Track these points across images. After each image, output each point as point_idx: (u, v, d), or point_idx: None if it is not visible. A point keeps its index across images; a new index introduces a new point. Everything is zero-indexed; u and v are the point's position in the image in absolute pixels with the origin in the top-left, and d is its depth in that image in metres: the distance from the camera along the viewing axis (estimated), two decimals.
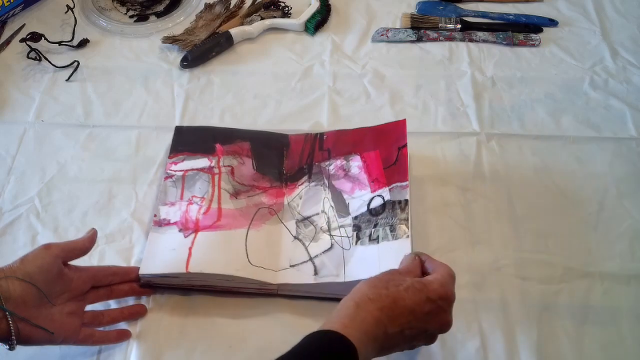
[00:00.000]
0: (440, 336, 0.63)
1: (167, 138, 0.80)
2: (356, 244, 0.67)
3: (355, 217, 0.69)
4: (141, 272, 0.64)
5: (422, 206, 0.74)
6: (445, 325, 0.55)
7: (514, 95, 0.86)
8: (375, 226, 0.67)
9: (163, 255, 0.66)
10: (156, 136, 0.81)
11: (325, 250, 0.67)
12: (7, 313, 0.50)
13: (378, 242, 0.65)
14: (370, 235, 0.66)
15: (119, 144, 0.80)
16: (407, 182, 0.68)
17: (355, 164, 0.73)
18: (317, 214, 0.70)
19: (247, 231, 0.68)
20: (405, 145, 0.71)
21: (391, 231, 0.66)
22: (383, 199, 0.69)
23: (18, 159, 0.79)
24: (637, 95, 0.85)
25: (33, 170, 0.78)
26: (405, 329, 0.52)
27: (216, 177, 0.73)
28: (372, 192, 0.70)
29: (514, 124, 0.82)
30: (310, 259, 0.67)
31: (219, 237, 0.67)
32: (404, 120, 0.74)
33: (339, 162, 0.74)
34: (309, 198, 0.72)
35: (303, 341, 0.49)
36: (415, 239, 0.71)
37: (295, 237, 0.69)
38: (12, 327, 0.50)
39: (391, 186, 0.69)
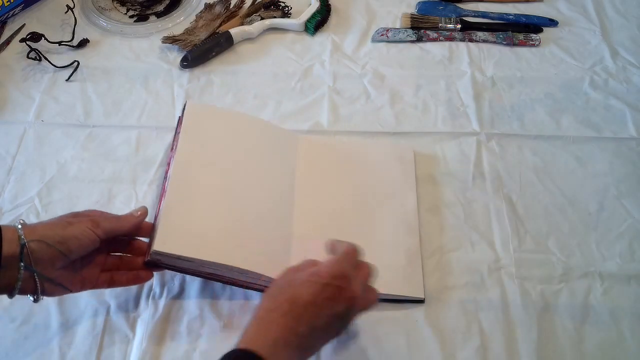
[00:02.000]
0: (440, 336, 0.63)
1: (167, 138, 0.80)
2: None
3: None
4: (156, 248, 0.60)
5: (422, 206, 0.74)
6: (352, 300, 0.54)
7: (514, 95, 0.86)
8: None
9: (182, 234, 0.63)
10: (156, 136, 0.81)
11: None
12: (36, 274, 0.53)
13: None
14: None
15: (119, 144, 0.80)
16: None
17: None
18: None
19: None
20: None
21: None
22: None
23: (18, 159, 0.79)
24: (637, 95, 0.85)
25: (33, 170, 0.78)
26: (315, 323, 0.52)
27: None
28: None
29: (514, 124, 0.82)
30: None
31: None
32: None
33: None
34: None
35: None
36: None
37: None
38: (39, 286, 0.54)
39: None
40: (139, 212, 0.62)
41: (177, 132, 0.73)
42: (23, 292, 0.54)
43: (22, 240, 0.52)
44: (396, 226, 0.71)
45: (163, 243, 0.61)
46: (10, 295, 0.54)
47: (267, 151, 0.74)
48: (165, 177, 0.69)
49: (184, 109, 0.74)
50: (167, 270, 0.67)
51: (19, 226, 0.54)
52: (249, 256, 0.64)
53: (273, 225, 0.68)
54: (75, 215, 0.59)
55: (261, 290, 0.65)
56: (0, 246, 0.51)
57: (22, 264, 0.52)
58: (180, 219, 0.64)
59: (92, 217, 0.58)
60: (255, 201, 0.69)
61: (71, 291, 0.59)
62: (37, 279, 0.54)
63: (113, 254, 0.63)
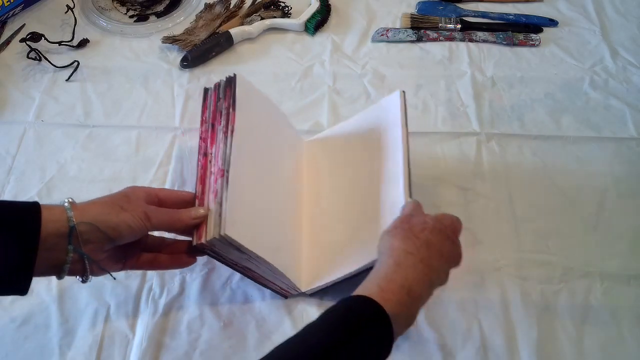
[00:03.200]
0: (440, 336, 0.64)
1: (167, 138, 0.80)
2: None
3: None
4: (228, 233, 0.55)
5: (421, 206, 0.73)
6: (459, 258, 0.56)
7: (514, 95, 0.86)
8: None
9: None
10: (156, 136, 0.81)
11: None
12: (85, 257, 0.52)
13: None
14: None
15: (119, 144, 0.80)
16: None
17: None
18: None
19: None
20: None
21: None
22: None
23: (18, 159, 0.79)
24: (637, 95, 0.85)
25: (33, 170, 0.78)
26: (441, 271, 0.53)
27: None
28: None
29: (514, 124, 0.82)
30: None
31: None
32: None
33: None
34: None
35: (335, 305, 0.48)
36: None
37: None
38: (87, 269, 0.53)
39: None
40: (196, 216, 0.57)
41: (211, 107, 0.67)
42: (71, 273, 0.53)
43: (71, 222, 0.50)
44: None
45: (233, 229, 0.56)
46: (59, 277, 0.52)
47: (284, 152, 0.73)
48: (205, 156, 0.63)
49: (229, 81, 0.67)
50: (170, 270, 0.67)
51: (67, 204, 0.51)
52: (295, 264, 0.64)
53: (318, 233, 0.67)
54: (128, 199, 0.56)
55: (283, 295, 0.66)
56: (38, 226, 0.49)
57: (70, 246, 0.50)
58: (245, 208, 0.60)
59: (145, 208, 0.56)
60: (292, 205, 0.68)
61: (115, 279, 0.59)
62: (86, 262, 0.52)
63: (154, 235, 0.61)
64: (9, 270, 0.48)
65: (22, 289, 0.50)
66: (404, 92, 0.68)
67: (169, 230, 0.59)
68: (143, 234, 0.56)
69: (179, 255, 0.61)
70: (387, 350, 0.47)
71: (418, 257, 0.51)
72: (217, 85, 0.68)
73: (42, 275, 0.52)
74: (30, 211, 0.49)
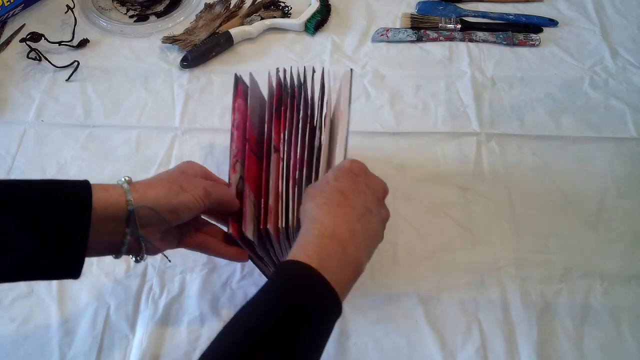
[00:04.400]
0: (440, 336, 0.63)
1: (167, 138, 0.80)
2: None
3: None
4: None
5: (421, 206, 0.74)
6: (382, 184, 0.55)
7: (514, 95, 0.86)
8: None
9: None
10: (156, 136, 0.81)
11: None
12: (142, 239, 0.51)
13: None
14: None
15: (119, 144, 0.80)
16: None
17: None
18: None
19: None
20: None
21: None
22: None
23: (18, 159, 0.79)
24: (637, 95, 0.85)
25: (33, 170, 0.78)
26: (368, 205, 0.52)
27: None
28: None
29: (514, 124, 0.82)
30: None
31: None
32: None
33: None
34: None
35: (273, 277, 0.48)
36: (416, 239, 0.71)
37: None
38: (144, 249, 0.52)
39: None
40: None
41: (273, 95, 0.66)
42: (127, 253, 0.52)
43: (130, 206, 0.49)
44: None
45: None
46: (117, 257, 0.52)
47: None
48: (277, 151, 0.62)
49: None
50: (173, 270, 0.67)
51: (126, 186, 0.50)
52: None
53: None
54: (187, 177, 0.55)
55: None
56: (89, 210, 0.47)
57: (128, 229, 0.50)
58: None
59: (204, 184, 0.55)
60: None
61: (170, 261, 0.60)
62: (142, 243, 0.51)
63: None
64: (60, 255, 0.47)
65: (74, 273, 0.48)
66: (351, 69, 0.67)
67: (223, 209, 0.57)
68: (200, 212, 0.55)
69: (233, 247, 0.59)
70: (331, 301, 0.46)
71: (334, 204, 0.50)
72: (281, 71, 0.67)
73: (98, 255, 0.51)
74: (80, 195, 0.48)
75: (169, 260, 0.61)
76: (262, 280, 0.68)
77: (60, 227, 0.46)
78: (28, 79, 0.89)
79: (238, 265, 0.69)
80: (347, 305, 0.65)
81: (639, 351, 0.63)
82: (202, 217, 0.59)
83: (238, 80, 0.68)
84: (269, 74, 0.68)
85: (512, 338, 0.64)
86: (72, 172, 0.77)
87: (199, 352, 0.62)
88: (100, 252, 0.51)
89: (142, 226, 0.50)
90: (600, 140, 0.80)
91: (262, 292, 0.46)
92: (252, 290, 0.67)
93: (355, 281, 0.49)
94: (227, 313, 0.65)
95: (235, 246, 0.59)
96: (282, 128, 0.62)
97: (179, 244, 0.57)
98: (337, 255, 0.48)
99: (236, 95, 0.67)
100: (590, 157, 0.79)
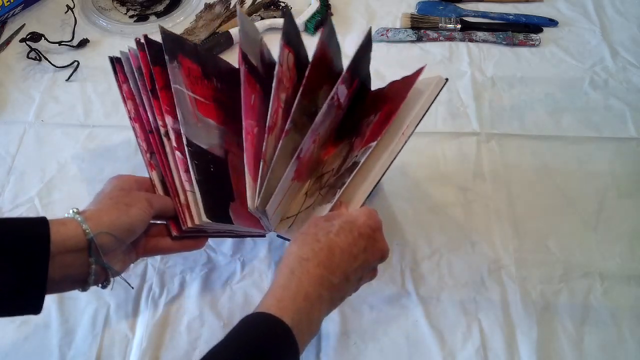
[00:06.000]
0: (440, 336, 0.64)
1: None
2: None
3: (338, 176, 0.62)
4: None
5: (422, 206, 0.74)
6: (384, 252, 0.54)
7: (514, 95, 0.86)
8: (333, 187, 0.61)
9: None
10: None
11: (307, 207, 0.63)
12: (107, 267, 0.51)
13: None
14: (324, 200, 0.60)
15: (119, 144, 0.80)
16: (374, 143, 0.57)
17: (374, 119, 0.63)
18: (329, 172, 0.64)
19: None
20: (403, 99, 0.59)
21: (332, 196, 0.59)
22: (356, 156, 0.61)
23: (18, 159, 0.79)
24: (637, 95, 0.85)
25: (33, 170, 0.78)
26: (349, 274, 0.51)
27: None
28: (359, 150, 0.60)
29: (514, 124, 0.82)
30: (296, 215, 0.62)
31: None
32: (422, 69, 0.61)
33: (371, 117, 0.64)
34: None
35: (237, 326, 0.47)
36: (416, 239, 0.71)
37: (305, 192, 0.64)
38: (109, 276, 0.53)
39: (366, 146, 0.59)
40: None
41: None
42: (93, 283, 0.52)
43: (88, 235, 0.49)
44: None
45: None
46: (84, 290, 0.51)
47: None
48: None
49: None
50: (170, 270, 0.67)
51: (79, 218, 0.49)
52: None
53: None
54: (126, 192, 0.55)
55: (261, 236, 0.64)
56: (47, 245, 0.47)
57: (92, 258, 0.49)
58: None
59: (144, 195, 0.55)
60: None
61: (133, 288, 0.61)
62: (107, 270, 0.51)
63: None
64: (20, 292, 0.46)
65: (35, 308, 0.48)
66: (446, 79, 0.64)
67: (162, 216, 0.58)
68: (148, 223, 0.55)
69: (186, 240, 0.59)
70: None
71: (314, 262, 0.50)
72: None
73: (66, 290, 0.51)
74: (38, 230, 0.47)
75: (132, 287, 0.62)
76: (262, 280, 0.68)
77: (19, 263, 0.46)
78: (28, 79, 0.89)
79: (238, 265, 0.69)
80: (347, 306, 0.65)
81: (639, 351, 0.63)
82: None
83: (114, 62, 0.64)
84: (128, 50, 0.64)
85: (512, 338, 0.64)
86: (72, 172, 0.77)
87: (199, 352, 0.62)
88: (66, 286, 0.51)
89: (104, 253, 0.50)
90: (600, 140, 0.80)
91: (234, 339, 0.46)
92: (252, 290, 0.67)
93: (309, 342, 0.50)
94: (227, 313, 0.65)
95: (188, 238, 0.59)
96: (165, 109, 0.60)
97: (137, 257, 0.57)
98: (307, 317, 0.48)
99: (119, 81, 0.63)
100: (590, 157, 0.79)
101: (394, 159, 0.58)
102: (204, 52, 0.67)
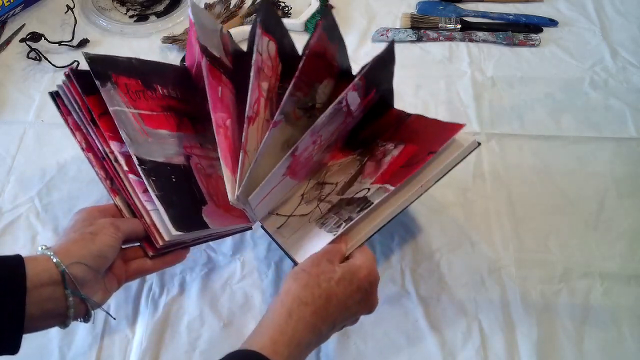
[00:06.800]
0: (440, 336, 0.64)
1: None
2: (317, 219, 0.60)
3: (342, 199, 0.60)
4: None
5: (422, 206, 0.74)
6: (373, 307, 0.55)
7: (514, 95, 0.86)
8: (337, 213, 0.59)
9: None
10: None
11: (302, 214, 0.62)
12: (85, 299, 0.51)
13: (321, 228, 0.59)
14: (325, 221, 0.59)
15: None
16: (393, 189, 0.56)
17: (395, 153, 0.61)
18: (331, 183, 0.63)
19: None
20: (433, 153, 0.56)
21: (335, 224, 0.57)
22: (368, 190, 0.59)
23: (18, 159, 0.79)
24: (637, 95, 0.85)
25: (33, 170, 0.78)
26: (337, 323, 0.52)
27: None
28: (372, 183, 0.59)
29: (514, 124, 0.82)
30: (289, 216, 0.63)
31: None
32: (461, 125, 0.57)
33: (389, 145, 0.63)
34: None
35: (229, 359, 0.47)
36: (416, 239, 0.71)
37: (302, 194, 0.64)
38: (90, 308, 0.52)
39: (383, 185, 0.58)
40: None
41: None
42: (75, 317, 0.51)
43: (60, 267, 0.49)
44: None
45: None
46: (64, 326, 0.51)
47: None
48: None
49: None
50: (170, 270, 0.67)
51: (48, 252, 0.49)
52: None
53: None
54: (89, 222, 0.55)
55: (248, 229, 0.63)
56: (23, 281, 0.46)
57: (68, 290, 0.49)
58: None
59: (108, 220, 0.55)
60: None
61: (115, 319, 0.61)
62: (86, 302, 0.51)
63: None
64: None
65: (12, 348, 0.47)
66: (479, 143, 0.60)
67: (134, 238, 0.57)
68: (120, 247, 0.55)
69: (166, 256, 0.59)
70: None
71: (312, 308, 0.50)
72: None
73: (46, 327, 0.50)
74: (12, 267, 0.47)
75: (114, 318, 0.62)
76: (262, 280, 0.68)
77: None
78: (28, 79, 0.89)
79: (238, 265, 0.69)
80: None
81: (639, 351, 0.63)
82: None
83: (55, 97, 0.61)
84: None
85: (512, 338, 0.64)
86: (71, 172, 0.77)
87: (199, 352, 0.62)
88: (46, 322, 0.50)
89: (79, 285, 0.50)
90: (600, 140, 0.80)
91: None
92: (252, 290, 0.67)
93: None
94: (227, 313, 0.65)
95: (167, 254, 0.59)
96: (108, 136, 0.58)
97: (119, 284, 0.57)
98: None
99: (63, 114, 0.61)
100: (590, 157, 0.79)
101: (406, 208, 0.57)
102: (142, 62, 0.65)
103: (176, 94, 0.66)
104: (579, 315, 0.65)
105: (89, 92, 0.59)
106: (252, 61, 0.59)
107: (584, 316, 0.65)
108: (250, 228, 0.64)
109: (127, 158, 0.58)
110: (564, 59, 0.91)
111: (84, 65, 0.89)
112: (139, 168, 0.56)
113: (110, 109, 0.58)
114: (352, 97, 0.58)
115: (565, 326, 0.64)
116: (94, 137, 0.59)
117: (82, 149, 0.60)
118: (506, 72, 0.89)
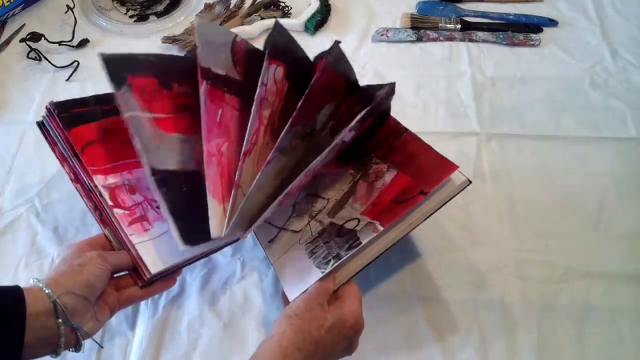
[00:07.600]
0: (440, 336, 0.63)
1: None
2: (307, 243, 0.60)
3: (332, 224, 0.60)
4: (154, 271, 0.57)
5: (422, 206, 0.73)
6: (353, 351, 0.57)
7: (514, 95, 0.86)
8: (326, 244, 0.59)
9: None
10: None
11: (293, 230, 0.62)
12: (75, 328, 0.52)
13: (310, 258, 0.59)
14: (314, 250, 0.60)
15: None
16: (382, 229, 0.56)
17: (388, 178, 0.61)
18: (323, 198, 0.64)
19: None
20: (424, 194, 0.56)
21: (324, 259, 0.57)
22: (358, 221, 0.59)
23: (18, 159, 0.79)
24: (637, 95, 0.85)
25: (33, 170, 0.78)
26: None
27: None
28: (362, 214, 0.59)
29: (514, 124, 0.82)
30: (280, 228, 0.63)
31: None
32: (455, 167, 0.57)
33: (382, 166, 0.63)
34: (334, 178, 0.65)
35: None
36: (416, 239, 0.71)
37: (293, 204, 0.64)
38: (80, 338, 0.53)
39: (373, 220, 0.57)
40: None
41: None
42: (66, 346, 0.53)
43: (52, 297, 0.51)
44: None
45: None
46: (56, 355, 0.52)
47: None
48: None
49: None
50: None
51: (40, 284, 0.52)
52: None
53: None
54: (77, 255, 0.57)
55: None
56: (23, 310, 0.49)
57: (59, 320, 0.51)
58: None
59: (94, 252, 0.57)
60: None
61: (102, 348, 0.62)
62: (76, 331, 0.52)
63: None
64: None
65: None
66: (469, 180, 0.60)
67: (123, 268, 0.59)
68: (108, 277, 0.56)
69: (158, 283, 0.61)
70: None
71: (303, 354, 0.52)
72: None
73: (38, 357, 0.52)
74: (14, 296, 0.50)
75: (101, 347, 0.62)
76: (261, 280, 0.68)
77: None
78: (28, 79, 0.89)
79: (238, 265, 0.69)
80: None
81: (639, 351, 0.63)
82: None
83: (42, 127, 0.62)
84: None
85: (512, 338, 0.63)
86: None
87: (199, 352, 0.62)
88: (38, 350, 0.51)
89: (70, 315, 0.52)
90: (600, 140, 0.80)
91: None
92: (252, 291, 0.67)
93: None
94: (227, 313, 0.65)
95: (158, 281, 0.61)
96: (91, 170, 0.59)
97: (111, 313, 0.58)
98: None
99: (50, 144, 0.62)
100: (590, 157, 0.79)
101: (393, 245, 0.58)
102: (159, 58, 0.65)
103: (192, 90, 0.65)
104: (579, 315, 0.65)
105: (73, 123, 0.60)
106: (256, 94, 0.59)
107: (584, 316, 0.65)
108: (238, 239, 0.64)
109: (112, 191, 0.59)
110: (564, 59, 0.91)
111: (84, 65, 0.90)
112: (151, 179, 0.57)
113: (125, 114, 0.58)
114: (348, 136, 0.58)
115: (565, 326, 0.64)
116: (79, 169, 0.60)
117: (71, 180, 0.61)
118: (506, 72, 0.89)
